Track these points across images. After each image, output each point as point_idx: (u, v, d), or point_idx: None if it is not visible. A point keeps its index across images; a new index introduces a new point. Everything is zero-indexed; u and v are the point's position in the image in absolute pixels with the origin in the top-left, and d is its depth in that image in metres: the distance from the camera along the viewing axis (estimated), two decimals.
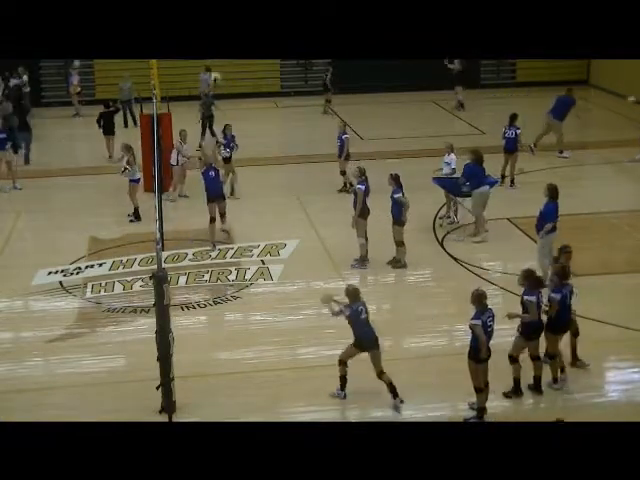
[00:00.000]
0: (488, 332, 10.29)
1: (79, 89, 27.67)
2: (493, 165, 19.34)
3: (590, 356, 11.24)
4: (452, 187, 16.84)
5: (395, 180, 14.85)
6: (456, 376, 10.91)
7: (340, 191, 19.08)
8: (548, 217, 13.83)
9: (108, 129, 22.24)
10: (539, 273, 13.99)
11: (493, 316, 10.38)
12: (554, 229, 13.91)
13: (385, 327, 13.33)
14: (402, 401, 10.82)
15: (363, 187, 14.89)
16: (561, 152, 21.81)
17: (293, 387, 11.46)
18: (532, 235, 14.55)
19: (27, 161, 22.35)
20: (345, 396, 11.08)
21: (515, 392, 10.98)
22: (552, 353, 11.13)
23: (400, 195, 14.69)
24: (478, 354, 10.27)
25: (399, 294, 14.87)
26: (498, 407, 10.79)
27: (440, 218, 17.36)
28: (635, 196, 19.03)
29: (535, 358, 10.95)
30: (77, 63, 27.44)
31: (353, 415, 10.86)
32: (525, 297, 10.74)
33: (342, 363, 10.96)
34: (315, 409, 10.87)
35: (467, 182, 16.19)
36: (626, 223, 17.30)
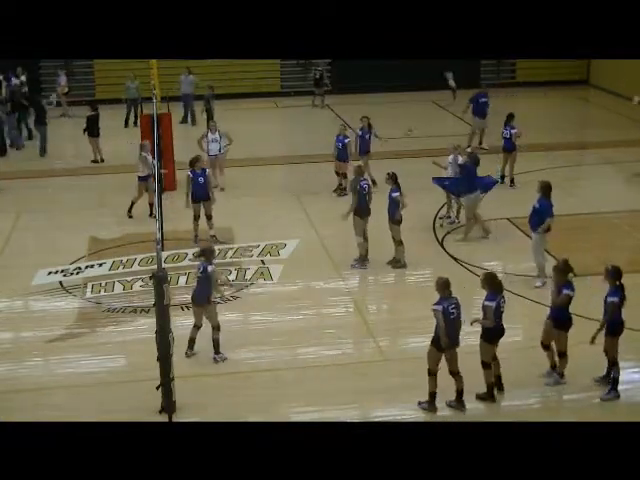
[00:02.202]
0: (451, 319, 10.38)
1: (67, 89, 27.71)
2: (493, 165, 19.40)
3: (590, 356, 11.22)
4: (452, 187, 16.84)
5: (393, 179, 14.92)
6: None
7: (338, 194, 19.12)
8: (545, 213, 13.87)
9: (93, 132, 22.26)
10: (536, 271, 14.11)
11: (457, 304, 10.47)
12: (548, 227, 13.96)
13: (385, 327, 13.37)
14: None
15: (366, 186, 14.95)
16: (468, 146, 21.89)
17: (293, 387, 11.46)
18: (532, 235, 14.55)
19: (42, 153, 23.23)
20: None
21: (489, 396, 10.90)
22: (562, 351, 11.13)
23: (398, 194, 14.73)
24: (439, 341, 10.40)
25: (399, 294, 14.86)
26: (497, 407, 10.80)
27: (440, 218, 17.36)
28: (635, 196, 19.02)
29: (493, 359, 10.94)
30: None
31: (353, 415, 10.86)
32: (485, 302, 10.67)
33: (196, 326, 12.08)
34: (315, 409, 10.86)
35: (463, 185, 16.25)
36: (626, 223, 17.30)
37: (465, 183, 16.20)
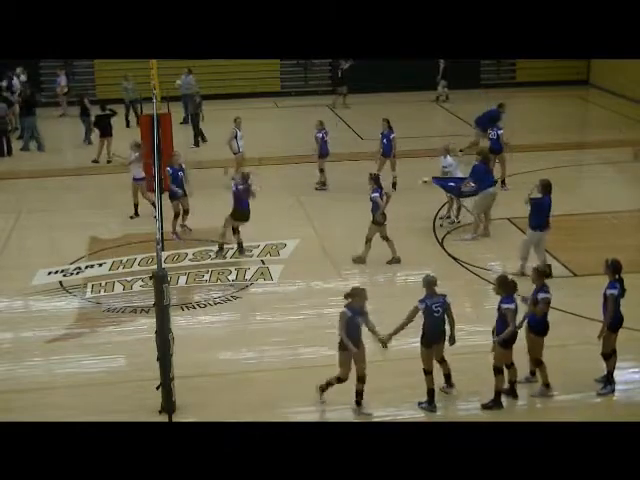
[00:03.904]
0: (434, 317, 10.43)
1: (66, 89, 27.71)
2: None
3: (590, 356, 11.23)
4: (452, 187, 16.84)
5: (375, 180, 15.08)
6: (456, 376, 10.92)
7: (317, 189, 19.56)
8: (546, 211, 13.88)
9: (105, 131, 22.24)
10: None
11: (443, 304, 10.47)
12: (548, 225, 13.97)
13: (384, 327, 13.35)
14: None
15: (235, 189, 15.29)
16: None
17: (293, 387, 11.45)
18: None
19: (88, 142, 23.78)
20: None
21: (497, 404, 10.69)
22: (537, 358, 10.88)
23: (377, 195, 14.78)
24: (427, 338, 10.52)
25: (399, 294, 14.84)
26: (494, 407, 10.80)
27: (440, 218, 17.37)
28: (635, 196, 19.02)
29: (510, 365, 10.76)
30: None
31: (353, 415, 10.85)
32: (503, 305, 10.40)
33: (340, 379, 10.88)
34: (315, 409, 10.85)
35: (474, 183, 16.19)
36: (626, 223, 17.31)
37: (482, 182, 16.20)
